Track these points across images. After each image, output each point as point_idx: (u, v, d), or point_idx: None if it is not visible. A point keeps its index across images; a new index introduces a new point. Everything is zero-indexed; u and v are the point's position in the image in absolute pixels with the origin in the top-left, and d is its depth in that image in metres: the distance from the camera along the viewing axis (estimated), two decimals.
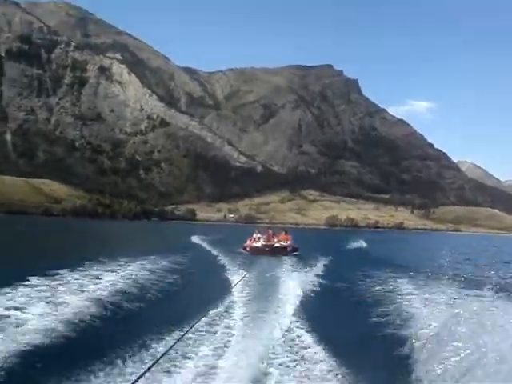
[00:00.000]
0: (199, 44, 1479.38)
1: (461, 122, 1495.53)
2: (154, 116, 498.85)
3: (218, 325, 11.69)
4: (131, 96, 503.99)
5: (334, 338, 10.85)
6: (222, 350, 9.37)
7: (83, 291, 14.32)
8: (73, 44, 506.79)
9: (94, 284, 15.84)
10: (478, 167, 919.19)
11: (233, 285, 18.13)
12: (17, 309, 11.52)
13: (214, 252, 36.90)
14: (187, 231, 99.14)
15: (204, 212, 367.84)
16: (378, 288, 20.24)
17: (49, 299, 12.82)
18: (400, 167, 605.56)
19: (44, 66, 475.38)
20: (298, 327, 11.83)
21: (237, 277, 21.19)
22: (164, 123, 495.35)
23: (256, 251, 35.71)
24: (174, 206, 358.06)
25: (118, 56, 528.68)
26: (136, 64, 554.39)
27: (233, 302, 14.68)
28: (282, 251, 35.80)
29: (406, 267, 29.34)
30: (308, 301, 15.91)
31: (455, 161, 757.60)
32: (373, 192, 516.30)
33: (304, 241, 50.54)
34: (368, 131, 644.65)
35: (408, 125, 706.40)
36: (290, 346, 10.07)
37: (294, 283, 19.49)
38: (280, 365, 8.65)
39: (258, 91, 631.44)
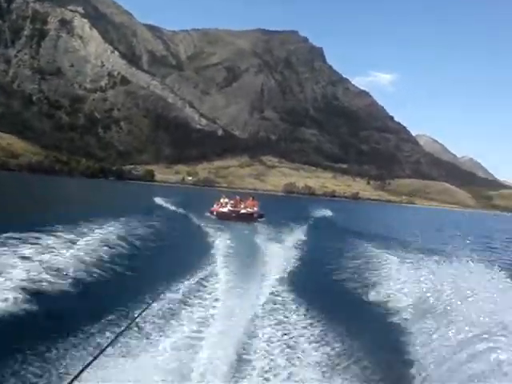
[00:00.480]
0: (163, 1, 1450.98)
1: (421, 95, 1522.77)
2: (115, 73, 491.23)
3: (198, 293, 11.48)
4: (92, 51, 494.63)
5: (316, 304, 11.05)
6: (203, 320, 9.33)
7: (41, 259, 12.53)
8: None
9: (56, 250, 13.96)
10: (436, 142, 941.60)
11: (209, 251, 18.17)
12: None
13: (182, 215, 37.97)
14: (147, 192, 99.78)
15: (162, 174, 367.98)
16: (354, 255, 20.73)
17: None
18: (359, 138, 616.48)
19: (3, 16, 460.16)
20: (280, 294, 11.98)
21: (211, 242, 21.36)
22: (125, 81, 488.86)
23: (223, 216, 35.78)
24: (132, 166, 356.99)
25: (80, 9, 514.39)
26: (98, 18, 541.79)
27: (211, 268, 14.63)
28: (248, 217, 36.01)
29: (376, 236, 30.84)
30: (289, 268, 16.00)
31: (414, 134, 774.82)
32: (331, 161, 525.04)
33: (268, 207, 51.46)
34: (330, 100, 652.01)
35: (370, 96, 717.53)
36: (273, 314, 10.15)
37: (272, 249, 19.89)
38: (264, 334, 8.74)
39: (221, 53, 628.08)
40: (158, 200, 56.20)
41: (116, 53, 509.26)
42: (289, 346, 8.14)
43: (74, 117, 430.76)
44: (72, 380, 3.61)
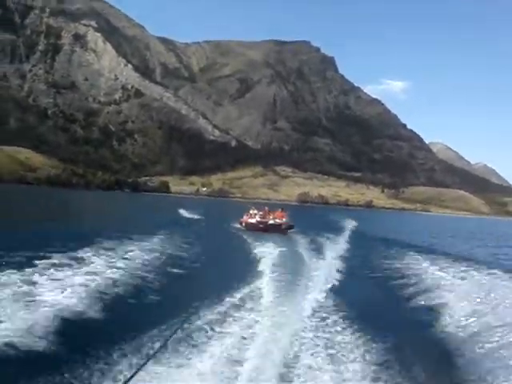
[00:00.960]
0: (175, 14, 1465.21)
1: (434, 102, 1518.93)
2: (129, 86, 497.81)
3: (242, 306, 11.62)
4: (106, 65, 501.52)
5: (362, 316, 11.11)
6: (248, 332, 9.45)
7: (73, 282, 12.34)
8: (47, 10, 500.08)
9: (88, 270, 13.90)
10: (450, 149, 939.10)
11: (250, 264, 18.55)
12: None
13: (212, 227, 38.93)
14: (169, 204, 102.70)
15: (177, 185, 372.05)
16: (396, 265, 20.92)
17: (29, 292, 10.99)
18: (372, 146, 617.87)
19: (18, 31, 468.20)
20: (324, 306, 12.07)
21: (250, 255, 21.89)
22: (138, 94, 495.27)
23: (252, 227, 36.52)
24: (147, 178, 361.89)
25: (93, 24, 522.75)
26: (111, 32, 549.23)
27: (253, 280, 14.65)
28: (277, 228, 36.21)
29: (411, 245, 32.09)
30: (331, 279, 16.10)
31: (427, 142, 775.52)
32: (344, 170, 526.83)
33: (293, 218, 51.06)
34: (342, 109, 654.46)
35: (382, 104, 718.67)
36: (318, 327, 10.25)
37: (311, 260, 20.15)
38: (308, 347, 8.79)
39: (233, 65, 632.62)
40: (184, 212, 58.15)
41: (129, 66, 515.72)
42: (333, 360, 8.08)
43: (88, 130, 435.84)
44: None
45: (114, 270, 13.92)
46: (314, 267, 18.73)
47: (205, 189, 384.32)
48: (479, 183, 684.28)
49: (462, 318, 10.56)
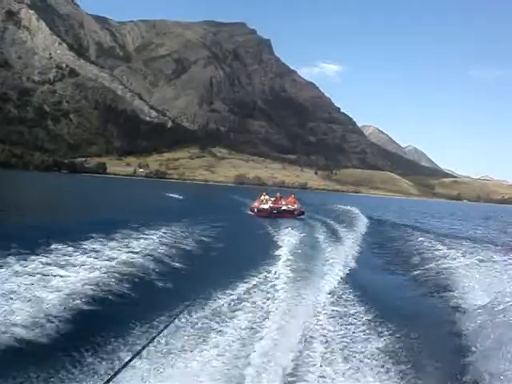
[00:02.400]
0: None
1: (367, 86, 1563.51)
2: (63, 65, 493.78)
3: (255, 292, 11.20)
4: (40, 43, 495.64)
5: (378, 304, 10.76)
6: (261, 318, 9.10)
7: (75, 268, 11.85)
8: None
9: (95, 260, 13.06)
10: (381, 132, 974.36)
11: (263, 250, 18.12)
12: None
13: (223, 214, 37.20)
14: (143, 188, 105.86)
15: (114, 166, 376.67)
16: (416, 249, 20.80)
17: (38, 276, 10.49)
18: (307, 129, 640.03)
19: None
20: (340, 294, 11.70)
21: (263, 240, 21.80)
22: (73, 73, 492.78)
23: (263, 213, 36.38)
24: (83, 159, 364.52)
25: (27, 0, 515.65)
26: (45, 10, 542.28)
27: (265, 267, 14.21)
28: (289, 214, 36.37)
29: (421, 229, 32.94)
30: (347, 266, 15.84)
31: (360, 125, 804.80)
32: (280, 152, 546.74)
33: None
34: (278, 92, 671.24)
35: (316, 88, 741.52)
36: (332, 315, 9.87)
37: (330, 248, 19.63)
38: (323, 335, 8.53)
39: (169, 45, 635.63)
40: (181, 198, 59.64)
41: (64, 44, 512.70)
42: (349, 350, 7.85)
43: (22, 110, 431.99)
44: (109, 379, 3.57)
45: (108, 260, 13.06)
46: (328, 252, 18.33)
47: (142, 170, 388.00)
48: (409, 166, 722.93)
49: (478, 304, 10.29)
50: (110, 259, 13.14)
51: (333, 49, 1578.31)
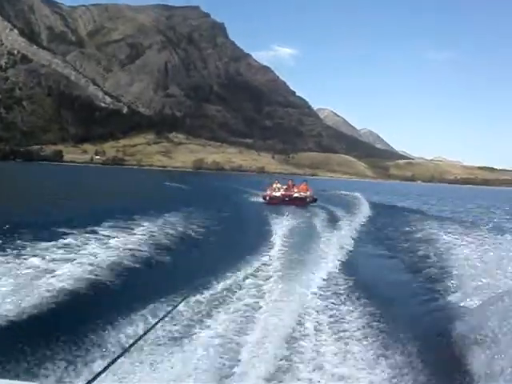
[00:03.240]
0: None
1: (323, 69, 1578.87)
2: (15, 51, 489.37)
3: (248, 280, 11.24)
4: None
5: (371, 292, 10.71)
6: (253, 306, 9.12)
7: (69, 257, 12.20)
8: None
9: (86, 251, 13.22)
10: (337, 115, 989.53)
11: (259, 238, 18.02)
12: None
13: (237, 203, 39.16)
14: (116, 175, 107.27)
15: (70, 153, 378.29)
16: (401, 231, 21.76)
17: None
18: (263, 113, 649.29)
19: None
20: (334, 283, 11.58)
21: (259, 229, 21.65)
22: (25, 59, 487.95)
23: (275, 201, 36.58)
24: (38, 147, 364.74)
25: None
26: None
27: (261, 255, 14.18)
28: (301, 201, 36.58)
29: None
30: (343, 252, 15.81)
31: (315, 108, 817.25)
32: (237, 137, 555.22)
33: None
34: (233, 76, 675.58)
35: (272, 71, 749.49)
36: (325, 303, 9.76)
37: (324, 234, 19.76)
38: (314, 326, 8.35)
39: (123, 29, 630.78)
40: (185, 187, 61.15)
41: (15, 30, 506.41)
42: (340, 340, 7.73)
43: None
44: (96, 376, 2.82)
45: (103, 250, 13.29)
46: (324, 238, 18.42)
47: (98, 157, 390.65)
48: (364, 148, 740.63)
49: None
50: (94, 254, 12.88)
51: (287, 32, 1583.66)
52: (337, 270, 13.02)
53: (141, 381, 5.89)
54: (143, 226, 18.43)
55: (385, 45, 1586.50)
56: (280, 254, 14.59)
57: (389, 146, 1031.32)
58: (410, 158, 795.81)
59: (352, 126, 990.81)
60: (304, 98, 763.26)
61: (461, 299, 10.03)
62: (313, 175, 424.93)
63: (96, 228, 16.66)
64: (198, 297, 9.41)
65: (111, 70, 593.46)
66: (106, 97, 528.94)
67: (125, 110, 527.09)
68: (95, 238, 15.18)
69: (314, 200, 38.47)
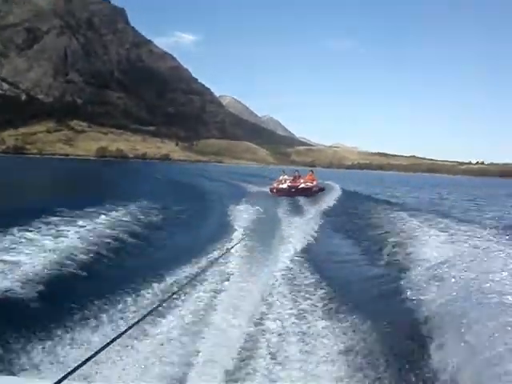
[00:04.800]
0: None
1: (223, 56, 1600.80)
2: None
3: (206, 274, 10.63)
4: None
5: (334, 284, 10.51)
6: (209, 302, 8.84)
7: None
8: None
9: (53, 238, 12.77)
10: (239, 102, 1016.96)
11: (223, 228, 17.83)
12: None
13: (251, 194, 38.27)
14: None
15: None
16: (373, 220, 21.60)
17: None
18: (166, 100, 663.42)
19: None
20: (296, 273, 11.46)
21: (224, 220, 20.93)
22: None
23: (282, 193, 36.70)
24: None
25: None
26: None
27: (221, 246, 14.08)
28: (307, 191, 37.16)
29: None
30: (306, 240, 15.64)
31: (217, 95, 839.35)
32: (140, 124, 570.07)
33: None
34: (135, 62, 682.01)
35: (174, 58, 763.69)
36: (286, 296, 9.66)
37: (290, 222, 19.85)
38: (275, 318, 8.28)
39: (19, 13, 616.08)
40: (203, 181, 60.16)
41: None
42: (302, 335, 7.63)
43: None
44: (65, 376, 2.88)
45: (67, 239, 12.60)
46: (289, 228, 18.00)
47: None
48: (266, 135, 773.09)
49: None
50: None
51: (188, 18, 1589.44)
52: (298, 261, 12.79)
53: (97, 381, 5.61)
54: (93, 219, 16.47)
55: (284, 33, 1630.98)
56: (240, 246, 13.62)
57: (289, 132, 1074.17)
58: (309, 145, 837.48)
59: (254, 113, 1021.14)
60: (206, 85, 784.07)
61: (424, 291, 9.22)
62: (218, 162, 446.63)
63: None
64: (153, 292, 9.33)
65: (8, 55, 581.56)
66: (4, 83, 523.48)
67: (23, 97, 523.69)
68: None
69: (321, 189, 39.45)
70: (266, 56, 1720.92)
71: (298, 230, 17.72)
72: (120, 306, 8.26)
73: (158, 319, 7.77)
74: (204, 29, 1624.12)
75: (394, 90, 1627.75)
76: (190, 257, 12.46)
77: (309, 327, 7.90)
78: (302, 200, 32.90)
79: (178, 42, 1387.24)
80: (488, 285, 7.31)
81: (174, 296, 8.61)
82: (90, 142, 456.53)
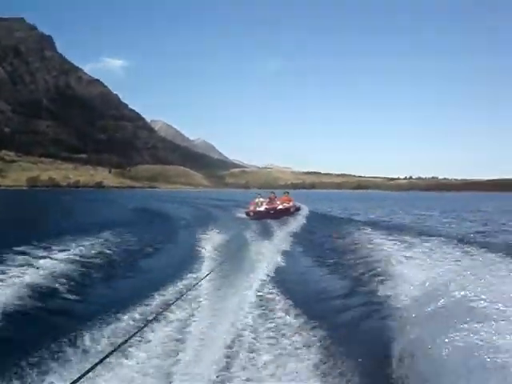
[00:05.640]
0: None
1: (154, 80, 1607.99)
2: None
3: (177, 300, 10.01)
4: None
5: (307, 303, 10.39)
6: (181, 328, 8.58)
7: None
8: None
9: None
10: (170, 126, 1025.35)
11: (192, 253, 17.26)
12: None
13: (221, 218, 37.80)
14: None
15: None
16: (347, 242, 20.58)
17: None
18: (96, 127, 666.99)
19: None
20: (268, 294, 11.15)
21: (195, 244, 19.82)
22: None
23: (260, 215, 35.65)
24: None
25: None
26: None
27: (193, 271, 13.48)
28: (286, 212, 36.90)
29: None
30: (282, 262, 15.47)
31: (149, 120, 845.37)
32: (70, 152, 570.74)
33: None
34: (63, 90, 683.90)
35: (103, 84, 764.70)
36: (260, 317, 9.36)
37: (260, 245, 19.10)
38: (249, 339, 8.11)
39: None
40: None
41: None
42: (275, 353, 7.52)
43: None
44: None
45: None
46: (259, 251, 17.48)
47: None
48: (200, 159, 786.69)
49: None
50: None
51: (116, 43, 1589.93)
52: (270, 281, 12.60)
53: None
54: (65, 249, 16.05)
55: (212, 54, 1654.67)
56: (210, 268, 13.52)
57: (222, 155, 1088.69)
58: (243, 167, 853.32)
59: (186, 137, 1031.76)
60: (136, 110, 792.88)
61: (394, 304, 9.60)
62: (152, 187, 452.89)
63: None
64: (121, 322, 8.80)
65: None
66: None
67: None
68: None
69: (298, 209, 39.45)
70: (194, 80, 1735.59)
71: (268, 253, 17.45)
72: (83, 342, 7.91)
73: (120, 358, 7.30)
74: (133, 53, 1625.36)
75: (324, 109, 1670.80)
76: (156, 287, 11.73)
77: (281, 351, 7.76)
78: (269, 221, 32.24)
79: (106, 67, 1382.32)
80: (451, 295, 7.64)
81: (144, 327, 8.29)
82: (20, 172, 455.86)
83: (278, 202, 37.87)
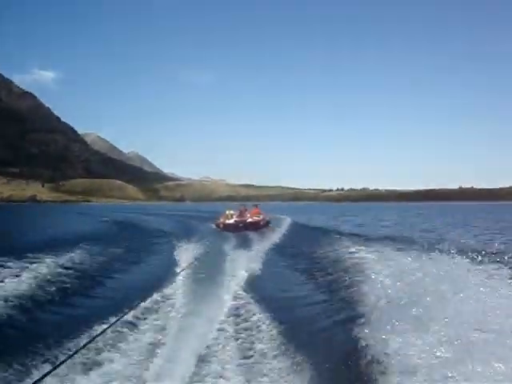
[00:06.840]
0: None
1: (87, 93, 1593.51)
2: None
3: (152, 311, 10.64)
4: None
5: (281, 312, 10.76)
6: (154, 341, 8.70)
7: None
8: None
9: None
10: (103, 139, 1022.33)
11: (168, 265, 17.94)
12: None
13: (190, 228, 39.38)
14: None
15: None
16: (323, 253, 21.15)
17: None
18: (28, 141, 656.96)
19: None
20: (243, 306, 11.35)
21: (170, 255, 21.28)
22: None
23: (230, 228, 36.15)
24: None
25: None
26: None
27: (168, 283, 13.46)
28: (255, 225, 37.21)
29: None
30: (256, 276, 15.62)
31: (81, 133, 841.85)
32: (1, 166, 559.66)
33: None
34: None
35: (35, 97, 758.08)
36: (234, 330, 9.53)
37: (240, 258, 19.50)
38: (223, 354, 8.18)
39: None
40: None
41: None
42: (249, 364, 7.70)
43: None
44: None
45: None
46: (231, 262, 18.05)
47: None
48: (133, 172, 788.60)
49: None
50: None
51: (46, 54, 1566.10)
52: (244, 292, 12.87)
53: None
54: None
55: (141, 66, 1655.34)
56: (186, 279, 14.06)
57: (157, 168, 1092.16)
58: (178, 179, 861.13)
59: (119, 150, 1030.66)
60: (68, 123, 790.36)
61: (369, 315, 9.66)
62: (86, 201, 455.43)
63: None
64: (94, 336, 8.28)
65: None
66: None
67: None
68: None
69: (267, 223, 39.60)
70: (129, 93, 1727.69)
71: (242, 264, 17.59)
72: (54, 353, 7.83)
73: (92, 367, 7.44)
74: (63, 65, 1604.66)
75: (257, 121, 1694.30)
76: (130, 297, 11.98)
77: (255, 365, 7.76)
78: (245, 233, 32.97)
79: (37, 79, 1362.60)
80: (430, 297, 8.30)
81: (116, 336, 8.66)
82: None
83: (248, 215, 39.09)
